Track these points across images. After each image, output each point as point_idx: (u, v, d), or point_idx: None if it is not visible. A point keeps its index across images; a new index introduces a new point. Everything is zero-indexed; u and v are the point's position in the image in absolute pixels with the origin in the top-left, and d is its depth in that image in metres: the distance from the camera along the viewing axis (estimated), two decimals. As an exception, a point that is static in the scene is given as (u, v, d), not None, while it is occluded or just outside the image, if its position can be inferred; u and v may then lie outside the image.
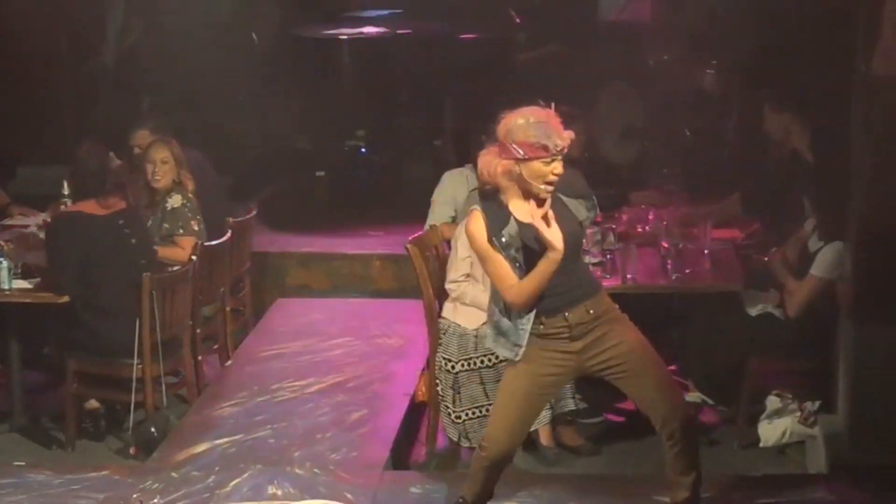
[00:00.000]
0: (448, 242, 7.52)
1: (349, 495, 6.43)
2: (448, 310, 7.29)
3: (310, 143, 11.42)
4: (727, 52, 10.47)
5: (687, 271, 7.57)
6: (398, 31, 11.03)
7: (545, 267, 5.54)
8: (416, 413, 7.65)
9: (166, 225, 8.05)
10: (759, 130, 8.90)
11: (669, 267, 7.57)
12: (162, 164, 8.06)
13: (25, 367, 7.92)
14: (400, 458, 7.22)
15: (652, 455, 6.76)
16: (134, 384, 7.36)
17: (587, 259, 7.51)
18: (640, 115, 10.58)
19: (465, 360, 7.18)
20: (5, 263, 7.54)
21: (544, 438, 7.31)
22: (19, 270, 7.62)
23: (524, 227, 5.61)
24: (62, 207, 8.25)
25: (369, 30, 11.09)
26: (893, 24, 6.35)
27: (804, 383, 7.50)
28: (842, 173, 6.95)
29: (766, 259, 7.95)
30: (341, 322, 8.88)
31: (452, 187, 8.00)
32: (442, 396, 7.24)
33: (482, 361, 7.14)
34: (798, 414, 7.32)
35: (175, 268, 7.70)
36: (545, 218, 5.51)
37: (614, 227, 7.88)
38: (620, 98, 10.59)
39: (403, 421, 7.41)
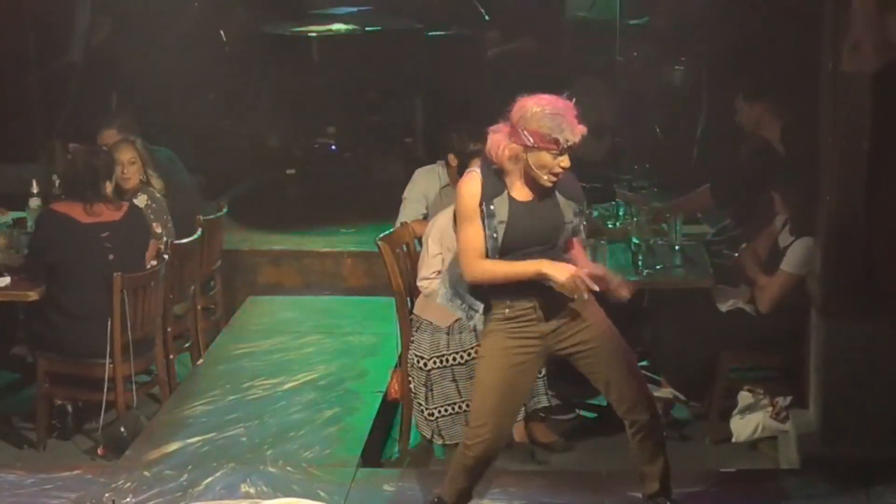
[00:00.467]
0: (419, 240, 7.53)
1: (322, 493, 6.42)
2: (420, 307, 7.29)
3: (280, 141, 11.40)
4: (696, 48, 10.51)
5: (657, 267, 7.59)
6: (368, 29, 11.02)
7: (524, 269, 5.57)
8: (389, 410, 7.66)
9: (129, 225, 8.01)
10: (728, 125, 8.92)
11: (640, 263, 7.58)
12: (130, 165, 8.03)
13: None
14: (373, 455, 7.21)
15: (624, 451, 6.74)
16: (106, 384, 7.33)
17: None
18: (609, 111, 10.60)
19: (438, 357, 7.18)
20: (-26, 262, 7.51)
21: (517, 435, 7.32)
22: (-12, 269, 7.59)
23: (516, 205, 5.62)
24: (32, 209, 8.21)
25: (339, 27, 11.07)
26: (862, 19, 6.38)
27: (776, 378, 7.54)
28: (811, 169, 6.98)
29: (736, 255, 7.99)
30: (313, 320, 8.87)
31: (424, 184, 8.01)
32: (414, 394, 7.25)
33: (454, 358, 7.14)
34: (770, 409, 7.35)
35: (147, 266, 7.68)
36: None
37: (584, 223, 7.87)
38: (590, 94, 10.61)
39: (376, 418, 7.40)
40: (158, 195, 8.12)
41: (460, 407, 7.17)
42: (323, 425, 7.25)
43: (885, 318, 6.61)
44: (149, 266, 7.69)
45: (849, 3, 6.40)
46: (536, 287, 5.64)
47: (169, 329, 7.88)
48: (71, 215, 7.39)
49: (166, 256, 7.74)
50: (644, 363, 8.11)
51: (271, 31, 11.12)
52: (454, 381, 7.17)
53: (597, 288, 5.54)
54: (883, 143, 6.52)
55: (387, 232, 7.48)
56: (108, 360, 7.32)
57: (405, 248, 7.52)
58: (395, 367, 7.58)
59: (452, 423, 7.18)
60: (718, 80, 9.95)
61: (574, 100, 5.59)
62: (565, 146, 5.53)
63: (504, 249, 5.64)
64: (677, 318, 7.65)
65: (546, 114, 5.51)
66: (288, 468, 6.71)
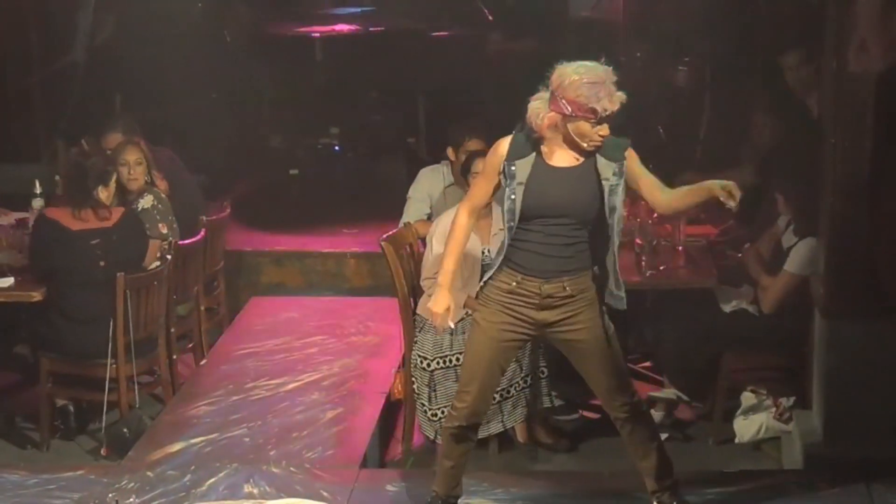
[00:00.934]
0: (423, 240, 7.52)
1: (325, 493, 6.42)
2: (423, 307, 7.29)
3: (283, 141, 11.41)
4: (699, 48, 10.50)
5: (661, 268, 7.59)
6: (371, 29, 11.03)
7: (446, 269, 5.75)
8: (392, 411, 7.66)
9: (134, 225, 8.02)
10: (732, 125, 8.92)
11: (643, 263, 7.58)
12: (136, 166, 8.02)
13: (-1, 367, 7.90)
14: (376, 455, 7.23)
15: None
16: (107, 384, 7.33)
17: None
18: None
19: (441, 357, 7.18)
20: (-23, 263, 7.52)
21: (520, 436, 7.32)
22: (-9, 270, 7.59)
23: (545, 170, 5.62)
24: (35, 209, 8.21)
25: (342, 27, 11.07)
26: (868, 19, 6.37)
27: (779, 379, 7.53)
28: (814, 169, 6.97)
29: (739, 255, 7.98)
30: (316, 320, 8.86)
31: (428, 184, 8.01)
32: (418, 394, 7.24)
33: (457, 359, 7.14)
34: (773, 410, 7.35)
35: (150, 267, 7.69)
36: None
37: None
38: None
39: (379, 419, 7.40)
40: (163, 195, 8.12)
41: (463, 407, 7.17)
42: (326, 426, 7.24)
43: (888, 318, 6.60)
44: (151, 267, 7.69)
45: (853, 3, 6.40)
46: (552, 272, 5.66)
47: (172, 329, 7.88)
48: (61, 222, 7.39)
49: (169, 257, 7.74)
50: (647, 363, 8.14)
51: (275, 32, 11.13)
52: (457, 381, 7.14)
53: None
54: (886, 143, 6.51)
55: (390, 232, 7.48)
56: (110, 361, 7.32)
57: (409, 249, 7.52)
58: (399, 367, 7.58)
59: (455, 423, 7.18)
60: (722, 80, 9.94)
61: (612, 67, 5.57)
62: (603, 115, 5.51)
63: (525, 214, 5.63)
64: (680, 319, 7.64)
65: (584, 83, 5.49)
66: (291, 468, 6.71)
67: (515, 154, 5.66)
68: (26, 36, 11.22)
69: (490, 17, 11.33)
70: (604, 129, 5.56)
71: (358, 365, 8.08)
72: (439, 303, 5.77)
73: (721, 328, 7.53)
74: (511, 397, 7.15)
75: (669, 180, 9.13)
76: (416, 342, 7.27)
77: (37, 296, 7.42)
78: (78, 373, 7.47)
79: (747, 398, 7.47)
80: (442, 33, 11.13)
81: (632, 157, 5.73)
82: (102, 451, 7.29)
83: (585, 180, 5.65)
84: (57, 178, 8.45)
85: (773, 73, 9.04)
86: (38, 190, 8.42)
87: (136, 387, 7.46)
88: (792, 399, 7.34)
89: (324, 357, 8.22)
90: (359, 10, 11.47)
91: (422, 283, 7.29)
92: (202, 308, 8.39)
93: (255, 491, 6.46)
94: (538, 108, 5.61)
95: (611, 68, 5.56)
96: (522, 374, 7.16)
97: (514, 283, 5.71)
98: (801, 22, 8.57)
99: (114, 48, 10.96)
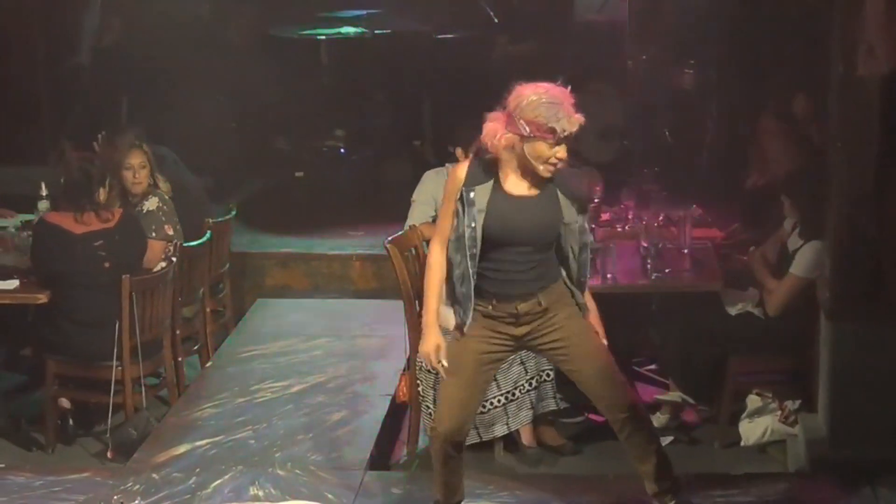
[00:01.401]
0: (428, 242, 7.51)
1: (331, 496, 6.43)
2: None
3: (288, 144, 11.41)
4: (705, 51, 10.50)
5: (667, 271, 7.58)
6: (376, 31, 11.02)
7: (428, 309, 5.71)
8: (397, 413, 7.65)
9: (139, 228, 8.03)
10: (737, 129, 8.92)
11: (649, 266, 7.58)
12: (141, 169, 8.03)
13: (4, 369, 7.88)
14: (381, 458, 7.22)
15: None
16: (113, 386, 7.34)
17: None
18: (618, 114, 10.59)
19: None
20: (-17, 264, 7.53)
21: (526, 438, 7.32)
22: (-3, 272, 7.60)
23: (503, 198, 5.58)
24: (41, 212, 8.22)
25: (347, 30, 11.07)
26: (876, 22, 6.36)
27: (784, 382, 7.52)
28: (820, 172, 6.97)
29: (745, 258, 7.97)
30: (321, 322, 8.87)
31: (433, 187, 7.99)
32: (423, 397, 7.24)
33: (463, 361, 7.14)
34: (778, 413, 7.34)
35: (156, 269, 7.69)
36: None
37: (594, 226, 7.88)
38: (599, 97, 10.60)
39: (384, 421, 7.41)
40: (167, 197, 8.12)
41: (468, 410, 7.17)
42: (331, 428, 7.25)
43: (894, 321, 6.59)
44: (157, 268, 7.70)
45: (862, 5, 6.39)
46: (523, 294, 5.65)
47: (177, 331, 7.89)
48: (63, 226, 7.39)
49: (174, 259, 7.75)
50: (653, 366, 8.14)
51: (280, 34, 11.13)
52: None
53: None
54: (892, 147, 6.50)
55: (396, 235, 7.48)
56: (115, 363, 7.33)
57: (414, 251, 7.52)
58: (404, 369, 7.58)
59: (461, 426, 7.18)
60: (728, 83, 9.94)
61: (570, 87, 5.52)
62: (562, 136, 5.44)
63: (487, 242, 5.60)
64: (686, 322, 7.63)
65: (542, 102, 5.43)
66: (296, 471, 6.71)
67: (473, 180, 5.60)
68: (33, 38, 11.24)
69: (496, 20, 11.33)
70: (561, 151, 5.50)
71: (363, 367, 8.09)
72: (428, 342, 5.71)
73: (727, 331, 7.52)
74: (516, 400, 7.15)
75: (676, 183, 9.25)
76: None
77: (42, 298, 7.43)
78: (83, 375, 7.48)
79: (753, 401, 7.47)
80: (447, 36, 11.12)
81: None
82: (109, 455, 7.29)
83: (547, 210, 5.61)
84: (63, 179, 8.44)
85: (778, 77, 9.06)
86: (43, 192, 8.44)
87: (142, 389, 7.46)
88: (797, 402, 7.33)
89: (329, 359, 8.23)
90: (364, 12, 11.46)
91: (427, 286, 7.29)
92: (208, 310, 8.40)
93: (261, 493, 6.47)
94: (495, 129, 5.54)
95: (569, 89, 5.51)
96: (527, 377, 7.15)
97: (490, 307, 5.70)
98: (807, 25, 8.57)
99: (120, 50, 10.98)
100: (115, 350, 7.32)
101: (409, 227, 7.76)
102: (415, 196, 8.03)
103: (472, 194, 5.57)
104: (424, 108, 11.14)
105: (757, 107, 8.72)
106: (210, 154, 10.29)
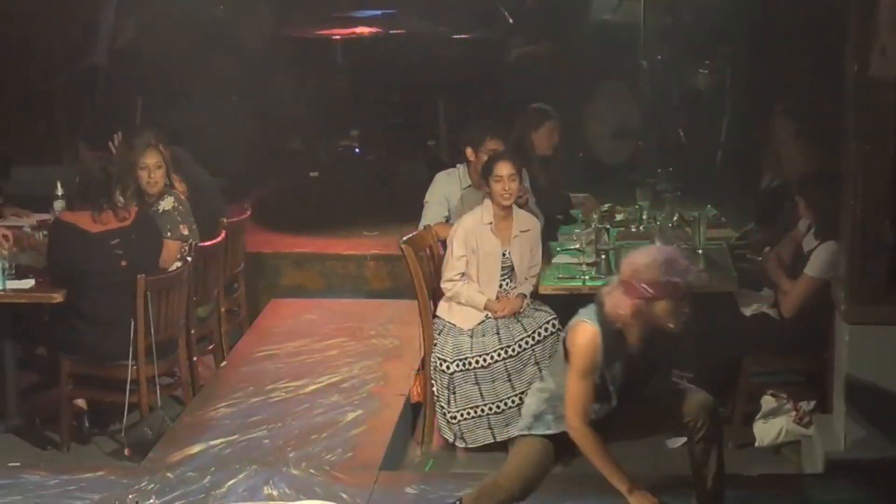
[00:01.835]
0: (443, 242, 7.53)
1: (345, 496, 6.43)
2: (443, 309, 7.30)
3: (303, 144, 11.43)
4: (720, 51, 10.49)
5: (681, 271, 7.55)
6: (391, 32, 11.03)
7: (615, 478, 5.71)
8: (412, 413, 7.66)
9: (155, 227, 8.04)
10: (752, 129, 8.91)
11: (664, 267, 7.55)
12: (157, 169, 8.02)
13: (20, 368, 7.90)
14: (395, 458, 7.22)
15: (650, 455, 6.80)
16: (128, 385, 7.35)
17: (581, 259, 7.56)
18: (633, 114, 10.59)
19: (460, 360, 7.18)
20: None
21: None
22: (13, 271, 7.60)
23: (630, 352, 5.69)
24: (57, 211, 8.23)
25: (362, 30, 11.08)
26: (890, 23, 6.35)
27: (799, 383, 7.51)
28: (836, 172, 6.96)
29: (760, 259, 7.96)
30: (336, 322, 8.87)
31: (445, 187, 8.01)
32: (437, 397, 7.25)
33: (477, 361, 7.15)
34: (793, 413, 7.32)
35: (171, 269, 7.71)
36: None
37: (608, 226, 7.88)
38: (613, 97, 10.60)
39: (399, 421, 7.40)
40: (183, 197, 8.14)
41: (482, 410, 7.18)
42: (345, 428, 7.25)
43: (909, 322, 6.59)
44: (172, 268, 7.71)
45: (876, 6, 6.38)
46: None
47: (192, 331, 7.90)
48: (80, 225, 7.39)
49: (189, 259, 7.76)
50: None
51: (295, 35, 11.14)
52: (476, 384, 7.16)
53: None
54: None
55: (410, 234, 7.48)
56: (131, 362, 7.34)
57: (428, 251, 7.53)
58: (418, 369, 7.59)
59: (475, 426, 7.18)
60: (742, 84, 9.93)
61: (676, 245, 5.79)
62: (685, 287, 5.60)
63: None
64: (701, 323, 7.60)
65: (659, 262, 5.55)
66: (310, 470, 6.71)
67: (611, 356, 5.69)
68: (48, 38, 11.26)
69: (510, 20, 11.33)
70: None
71: (377, 367, 8.09)
72: (639, 499, 5.70)
73: (741, 332, 7.52)
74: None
75: (690, 183, 9.24)
76: (435, 345, 7.27)
77: (58, 297, 7.44)
78: (98, 374, 7.48)
79: (767, 402, 7.45)
80: (462, 36, 11.12)
81: None
82: (126, 452, 7.30)
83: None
84: (78, 179, 8.46)
85: (792, 76, 9.05)
86: (59, 192, 8.45)
87: (157, 388, 7.47)
88: (812, 403, 7.31)
89: (343, 359, 8.22)
90: (379, 13, 11.46)
91: (442, 286, 7.30)
92: (222, 310, 8.40)
93: (275, 493, 6.47)
94: (617, 300, 5.58)
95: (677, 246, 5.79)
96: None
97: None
98: (821, 26, 8.55)
99: (135, 51, 11.00)
100: (131, 349, 7.33)
101: (424, 227, 7.78)
102: (427, 198, 8.05)
103: (614, 369, 5.71)
104: (439, 108, 11.14)
105: (771, 107, 8.69)
106: (225, 154, 10.30)
